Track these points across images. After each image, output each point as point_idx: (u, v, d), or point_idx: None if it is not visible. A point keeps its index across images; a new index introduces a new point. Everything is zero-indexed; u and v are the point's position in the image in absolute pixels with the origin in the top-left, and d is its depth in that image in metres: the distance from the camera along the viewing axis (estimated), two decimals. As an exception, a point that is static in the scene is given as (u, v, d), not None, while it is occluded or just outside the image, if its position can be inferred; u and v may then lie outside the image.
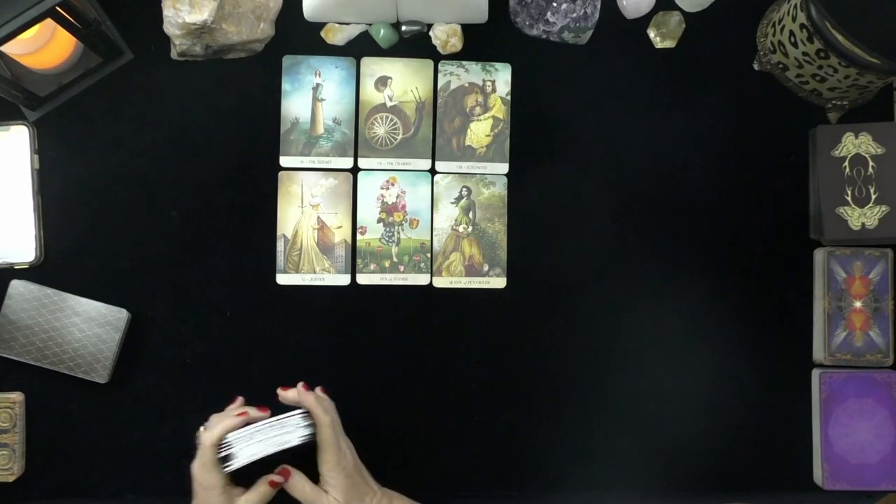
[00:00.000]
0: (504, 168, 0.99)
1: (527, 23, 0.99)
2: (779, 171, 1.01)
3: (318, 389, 0.89)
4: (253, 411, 0.85)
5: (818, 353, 0.99)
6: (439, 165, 0.99)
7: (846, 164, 0.97)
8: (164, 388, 0.95)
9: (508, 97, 1.00)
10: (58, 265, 0.95)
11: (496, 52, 1.00)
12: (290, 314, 0.97)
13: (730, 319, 0.99)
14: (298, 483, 0.84)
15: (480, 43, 1.00)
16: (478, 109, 1.00)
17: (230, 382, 0.95)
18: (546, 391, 0.98)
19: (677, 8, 1.01)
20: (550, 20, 0.98)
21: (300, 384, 0.88)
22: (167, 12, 0.92)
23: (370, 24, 0.99)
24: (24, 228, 0.94)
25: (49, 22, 0.83)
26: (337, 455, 0.84)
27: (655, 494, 0.99)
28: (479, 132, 0.99)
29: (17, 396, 0.93)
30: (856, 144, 0.97)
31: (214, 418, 0.85)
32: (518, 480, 0.97)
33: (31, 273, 0.94)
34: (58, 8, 0.82)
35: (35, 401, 0.94)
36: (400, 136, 0.99)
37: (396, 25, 0.99)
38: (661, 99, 1.00)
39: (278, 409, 0.86)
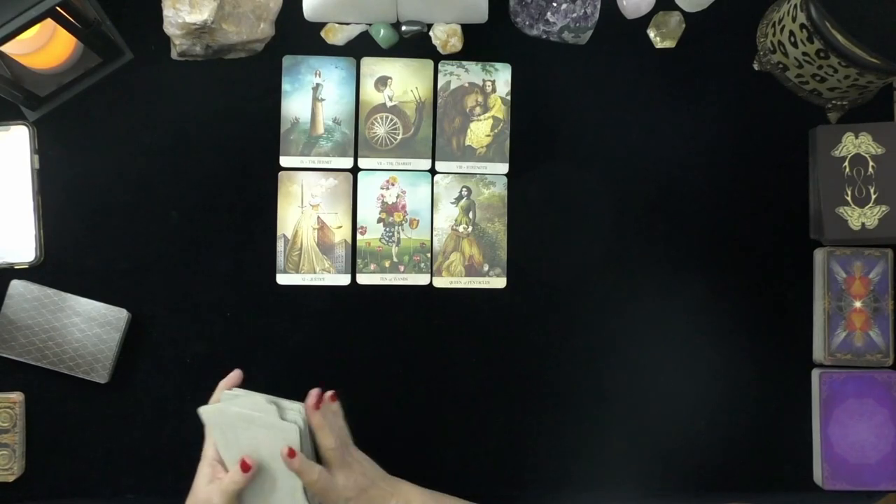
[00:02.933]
0: (504, 168, 0.99)
1: (527, 23, 0.99)
2: (779, 171, 1.01)
3: (327, 396, 0.84)
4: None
5: (818, 353, 0.99)
6: (439, 165, 0.99)
7: (846, 164, 0.97)
8: (164, 388, 0.95)
9: (508, 97, 1.00)
10: (58, 265, 0.95)
11: (496, 52, 1.00)
12: (290, 314, 0.97)
13: (730, 319, 0.99)
14: (312, 470, 0.80)
15: (480, 43, 1.00)
16: (478, 109, 1.00)
17: (230, 382, 0.96)
18: (546, 391, 0.98)
19: (677, 8, 1.01)
20: (550, 20, 0.98)
21: (312, 395, 0.83)
22: (167, 12, 0.92)
23: (370, 24, 0.99)
24: (24, 228, 0.94)
25: (49, 22, 0.83)
26: (333, 494, 0.80)
27: (655, 494, 0.99)
28: (479, 132, 0.99)
29: (17, 396, 0.93)
30: (856, 144, 0.97)
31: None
32: (518, 480, 0.97)
33: (31, 273, 0.94)
34: (58, 8, 0.82)
35: (35, 401, 0.94)
36: (400, 136, 0.99)
37: (396, 25, 0.99)
38: (661, 99, 1.00)
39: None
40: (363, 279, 0.97)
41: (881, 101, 1.01)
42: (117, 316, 0.93)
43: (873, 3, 0.87)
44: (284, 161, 0.98)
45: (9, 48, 0.86)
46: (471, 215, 0.99)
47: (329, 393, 0.84)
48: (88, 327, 0.92)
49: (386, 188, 0.98)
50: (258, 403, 0.82)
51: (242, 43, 0.96)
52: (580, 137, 1.00)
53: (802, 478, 0.99)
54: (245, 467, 0.80)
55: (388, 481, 0.85)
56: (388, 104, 0.99)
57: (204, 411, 0.82)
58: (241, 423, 0.81)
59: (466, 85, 1.00)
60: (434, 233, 0.98)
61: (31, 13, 0.81)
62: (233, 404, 0.82)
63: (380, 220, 0.98)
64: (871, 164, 0.96)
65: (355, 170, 0.98)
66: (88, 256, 0.95)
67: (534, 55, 1.00)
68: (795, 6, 0.91)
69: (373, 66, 0.99)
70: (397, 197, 0.98)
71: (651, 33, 1.01)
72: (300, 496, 0.82)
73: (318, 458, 0.83)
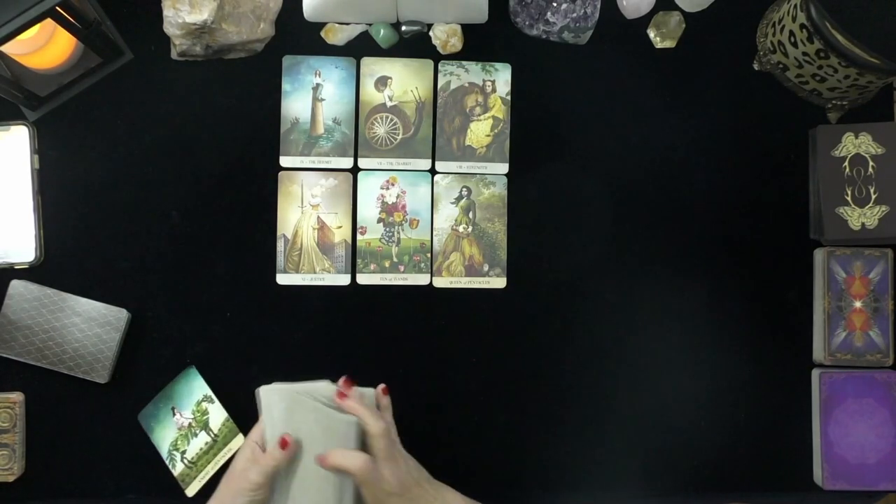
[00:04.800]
0: (504, 168, 0.99)
1: (527, 23, 0.99)
2: (779, 171, 1.01)
3: (379, 389, 0.85)
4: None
5: (818, 353, 0.99)
6: (439, 165, 0.99)
7: (846, 164, 0.97)
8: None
9: (508, 97, 1.00)
10: (58, 265, 0.95)
11: (496, 52, 1.00)
12: (290, 314, 0.97)
13: (730, 319, 0.99)
14: (359, 459, 0.79)
15: (480, 43, 1.00)
16: (478, 109, 1.00)
17: (230, 382, 0.96)
18: (546, 391, 0.98)
19: (677, 8, 1.01)
20: (550, 20, 0.98)
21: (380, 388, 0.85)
22: (167, 12, 0.92)
23: (370, 24, 0.99)
24: (24, 228, 0.94)
25: (49, 22, 0.83)
26: (375, 487, 0.79)
27: (655, 494, 0.99)
28: (479, 132, 0.99)
29: (17, 396, 0.93)
30: (856, 144, 0.97)
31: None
32: (518, 480, 0.97)
33: (31, 273, 0.94)
34: (58, 8, 0.82)
35: (35, 401, 0.94)
36: (400, 136, 0.99)
37: (396, 25, 0.99)
38: (661, 99, 1.00)
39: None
40: (363, 279, 0.97)
41: (881, 101, 1.01)
42: (117, 316, 0.93)
43: (873, 3, 0.87)
44: (284, 161, 0.98)
45: (9, 48, 0.86)
46: (471, 215, 0.99)
47: (381, 387, 0.85)
48: (88, 327, 0.92)
49: (386, 188, 0.98)
50: (320, 388, 0.82)
51: (242, 43, 0.96)
52: (580, 137, 1.00)
53: (802, 478, 0.99)
54: (283, 444, 0.79)
55: (432, 483, 0.84)
56: (388, 104, 0.99)
57: (262, 390, 0.82)
58: (296, 405, 0.80)
59: (466, 85, 1.00)
60: (434, 233, 0.98)
61: (31, 13, 0.81)
62: (294, 386, 0.81)
63: (380, 220, 0.98)
64: (871, 164, 0.96)
65: (355, 170, 0.98)
66: (88, 256, 0.95)
67: (534, 55, 1.00)
68: (795, 6, 0.91)
69: (373, 66, 0.99)
70: (397, 197, 0.98)
71: (651, 33, 1.01)
72: (333, 487, 0.80)
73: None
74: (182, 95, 0.97)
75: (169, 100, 0.97)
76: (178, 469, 0.93)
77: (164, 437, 0.94)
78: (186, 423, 0.94)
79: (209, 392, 0.94)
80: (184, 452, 0.94)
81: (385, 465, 0.80)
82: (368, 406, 0.82)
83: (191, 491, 0.93)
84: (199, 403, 0.94)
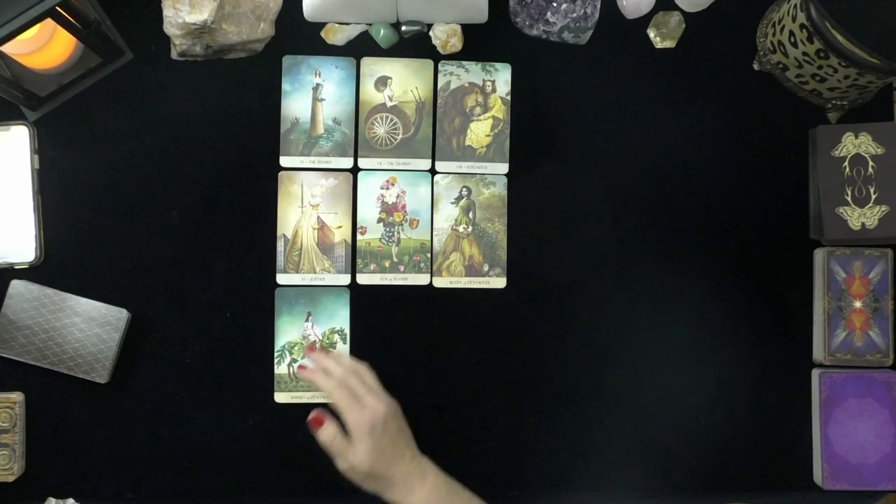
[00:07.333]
0: (504, 168, 0.99)
1: (527, 23, 0.99)
2: (779, 171, 1.01)
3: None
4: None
5: (818, 353, 0.99)
6: (439, 165, 0.99)
7: (846, 164, 0.97)
8: (164, 388, 0.95)
9: (508, 97, 1.00)
10: (58, 265, 0.95)
11: (496, 52, 1.00)
12: (290, 314, 0.97)
13: (730, 319, 0.99)
14: (327, 433, 0.87)
15: (480, 43, 1.00)
16: (478, 109, 1.00)
17: (230, 382, 0.96)
18: (546, 391, 0.98)
19: (677, 8, 1.01)
20: (550, 20, 0.98)
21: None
22: (167, 12, 0.92)
23: (370, 24, 0.99)
24: (24, 228, 0.94)
25: (49, 22, 0.83)
26: (351, 415, 0.86)
27: (655, 494, 0.99)
28: (479, 132, 0.99)
29: (17, 396, 0.93)
30: (856, 144, 0.97)
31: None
32: (518, 480, 0.98)
33: (31, 273, 0.94)
34: (58, 8, 0.82)
35: (35, 401, 0.94)
36: (400, 136, 0.99)
37: (396, 25, 0.99)
38: (661, 99, 1.00)
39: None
40: (363, 279, 0.97)
41: (881, 101, 1.01)
42: (117, 316, 0.93)
43: (873, 3, 0.87)
44: (284, 161, 0.98)
45: (9, 48, 0.86)
46: (471, 215, 0.99)
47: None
48: (88, 327, 0.92)
49: (386, 188, 0.98)
50: None
51: (242, 43, 0.96)
52: (580, 137, 1.00)
53: (802, 478, 0.99)
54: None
55: (414, 463, 0.88)
56: (388, 104, 0.99)
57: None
58: None
59: (466, 85, 1.00)
60: (434, 233, 0.98)
61: (31, 13, 0.81)
62: None
63: (380, 220, 0.98)
64: (871, 164, 0.96)
65: (355, 170, 0.98)
66: (88, 256, 0.95)
67: (534, 55, 1.00)
68: (795, 6, 0.91)
69: (373, 66, 0.99)
70: (397, 197, 0.98)
71: (651, 33, 1.01)
72: None
73: None
74: (182, 95, 0.97)
75: (169, 100, 0.97)
76: (280, 369, 0.95)
77: (286, 330, 0.95)
78: (311, 339, 0.95)
79: (346, 328, 0.95)
80: (295, 361, 0.95)
81: (349, 451, 0.86)
82: (354, 389, 0.87)
83: (279, 398, 0.95)
84: (332, 332, 0.95)
